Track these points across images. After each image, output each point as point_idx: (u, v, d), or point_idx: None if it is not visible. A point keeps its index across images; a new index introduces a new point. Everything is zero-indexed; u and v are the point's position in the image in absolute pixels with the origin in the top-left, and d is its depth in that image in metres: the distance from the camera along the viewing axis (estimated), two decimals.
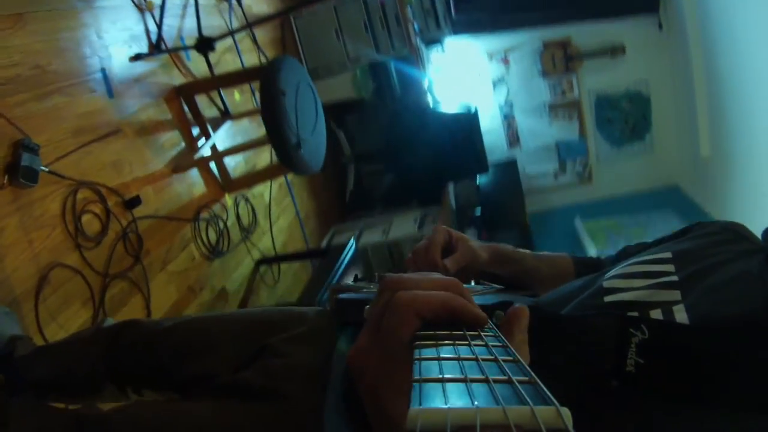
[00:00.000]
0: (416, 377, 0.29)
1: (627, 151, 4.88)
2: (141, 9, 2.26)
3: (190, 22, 2.56)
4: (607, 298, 0.62)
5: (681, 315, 0.55)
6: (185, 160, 2.40)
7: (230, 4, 3.05)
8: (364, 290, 0.84)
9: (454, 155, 3.99)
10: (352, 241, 2.80)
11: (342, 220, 4.09)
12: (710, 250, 0.65)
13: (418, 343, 0.35)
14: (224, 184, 2.68)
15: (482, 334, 0.37)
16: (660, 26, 4.43)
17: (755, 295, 0.54)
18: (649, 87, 4.65)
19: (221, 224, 2.59)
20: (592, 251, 4.25)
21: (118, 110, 2.03)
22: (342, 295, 0.83)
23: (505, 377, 0.29)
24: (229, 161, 2.70)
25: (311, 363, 0.79)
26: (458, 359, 0.32)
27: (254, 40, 3.20)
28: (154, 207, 2.15)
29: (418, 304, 0.38)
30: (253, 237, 2.89)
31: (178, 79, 2.47)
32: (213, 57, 2.62)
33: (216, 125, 2.66)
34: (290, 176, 3.42)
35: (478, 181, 4.51)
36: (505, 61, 4.73)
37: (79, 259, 1.71)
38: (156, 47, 2.29)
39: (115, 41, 2.05)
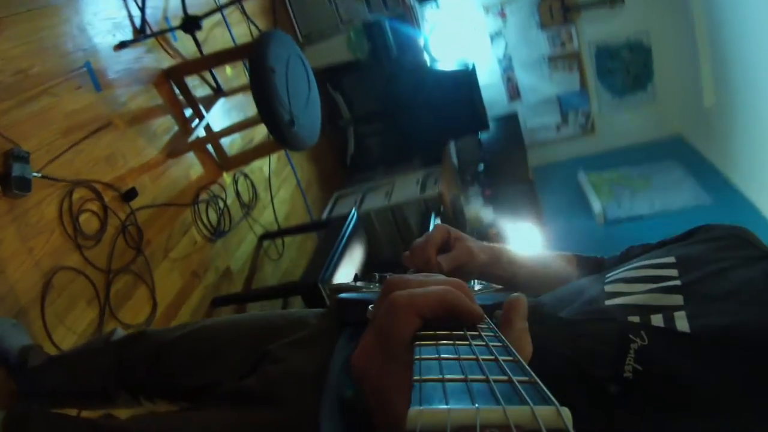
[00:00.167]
0: (416, 377, 0.30)
1: (629, 102, 4.79)
2: None
3: (175, 2, 2.50)
4: (609, 302, 0.62)
5: (682, 322, 0.55)
6: (180, 144, 2.39)
7: None
8: (364, 290, 0.85)
9: (454, 113, 3.94)
10: (353, 211, 2.81)
11: (344, 185, 4.09)
12: (714, 256, 0.64)
13: (418, 343, 0.36)
14: (221, 162, 2.68)
15: (482, 333, 0.37)
16: None
17: (758, 305, 0.54)
18: (649, 36, 4.51)
19: (221, 204, 2.60)
20: (596, 204, 4.23)
21: (107, 103, 2.01)
22: (342, 295, 0.83)
23: (505, 377, 0.29)
24: (225, 139, 2.68)
25: (309, 367, 0.79)
26: (458, 359, 0.32)
27: (243, 12, 3.12)
28: (152, 196, 2.16)
29: (416, 302, 0.38)
30: (255, 212, 2.90)
31: (166, 61, 2.43)
32: (201, 34, 2.57)
33: (209, 104, 2.63)
34: None
35: (479, 137, 4.47)
36: (502, 14, 4.60)
37: (81, 260, 1.74)
38: (141, 32, 2.25)
39: (97, 32, 2.02)
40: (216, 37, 2.87)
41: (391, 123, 4.21)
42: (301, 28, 3.76)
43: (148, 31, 2.28)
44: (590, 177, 4.53)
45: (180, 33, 2.49)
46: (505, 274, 0.85)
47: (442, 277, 0.44)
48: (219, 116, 2.73)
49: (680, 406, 0.49)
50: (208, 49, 2.70)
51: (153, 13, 2.36)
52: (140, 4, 2.24)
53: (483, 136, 4.46)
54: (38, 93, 1.69)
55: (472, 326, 0.40)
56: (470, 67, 3.91)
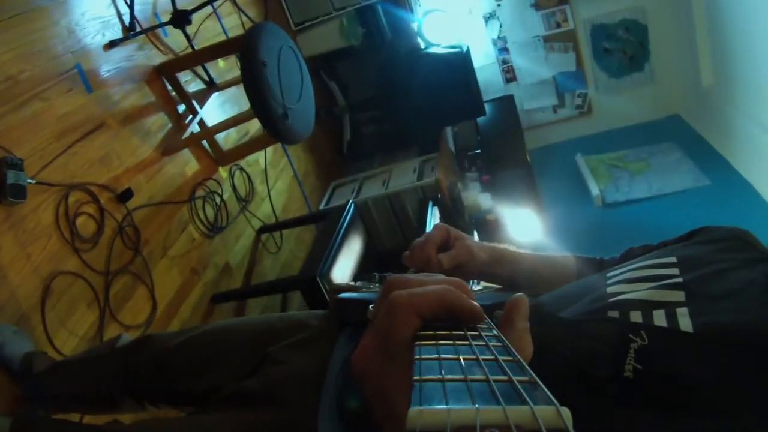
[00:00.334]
0: (416, 377, 0.30)
1: (626, 82, 4.74)
2: None
3: None
4: (611, 301, 0.63)
5: (685, 320, 0.55)
6: (174, 141, 2.39)
7: None
8: (364, 290, 0.85)
9: (449, 97, 3.90)
10: (351, 202, 2.81)
11: (341, 174, 4.08)
12: (715, 257, 0.65)
13: (418, 342, 0.36)
14: (217, 157, 2.67)
15: (483, 333, 0.37)
16: None
17: (759, 306, 0.55)
18: (646, 14, 4.45)
19: (218, 199, 2.60)
20: (594, 188, 4.22)
21: (99, 103, 2.00)
22: (342, 295, 0.83)
23: (506, 377, 0.29)
24: (220, 134, 2.68)
25: (310, 368, 0.79)
26: (458, 359, 0.32)
27: (234, 2, 3.09)
28: (148, 194, 2.16)
29: (416, 302, 0.38)
30: (252, 206, 2.90)
31: (157, 58, 2.41)
32: (191, 27, 2.54)
33: (202, 99, 2.62)
34: None
35: (476, 121, 4.44)
36: None
37: (79, 263, 1.75)
38: (130, 29, 2.23)
39: (86, 33, 2.00)
40: (207, 29, 2.85)
41: (386, 109, 4.19)
42: (294, 16, 3.72)
43: (138, 29, 2.26)
44: (588, 160, 4.52)
45: (170, 28, 2.47)
46: (504, 274, 0.85)
47: (442, 276, 0.44)
48: (213, 111, 2.72)
49: (680, 405, 0.49)
50: (199, 43, 2.68)
51: (142, 9, 2.34)
52: (129, 1, 2.22)
53: (480, 120, 4.43)
54: (29, 98, 1.68)
55: (473, 326, 0.40)
56: (464, 49, 3.87)
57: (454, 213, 3.64)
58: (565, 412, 0.25)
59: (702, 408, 0.49)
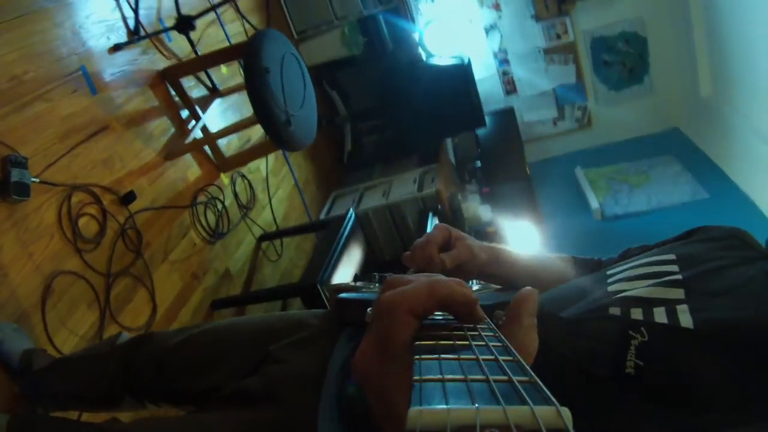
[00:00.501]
0: (416, 377, 0.29)
1: (626, 95, 4.77)
2: None
3: (168, 2, 2.49)
4: (612, 299, 0.63)
5: (685, 317, 0.55)
6: (177, 146, 2.39)
7: None
8: (364, 290, 0.85)
9: (450, 109, 3.92)
10: (351, 211, 2.81)
11: (341, 183, 4.08)
12: (714, 254, 0.65)
13: (418, 343, 0.35)
14: (219, 163, 2.67)
15: (482, 333, 0.37)
16: None
17: (758, 303, 0.55)
18: (645, 27, 4.50)
19: (219, 205, 2.60)
20: (593, 201, 4.23)
21: (103, 106, 2.00)
22: (342, 295, 0.83)
23: (505, 377, 0.29)
24: (222, 139, 2.68)
25: (310, 367, 0.79)
26: (458, 359, 0.32)
27: (237, 9, 3.11)
28: (150, 198, 2.16)
29: (406, 300, 0.38)
30: (253, 213, 2.90)
31: (161, 63, 2.42)
32: (195, 33, 2.56)
33: (205, 104, 2.63)
34: None
35: (477, 133, 4.45)
36: (496, 7, 4.58)
37: (80, 263, 1.74)
38: (135, 33, 2.24)
39: (91, 36, 2.01)
40: (210, 35, 2.87)
41: (387, 119, 4.20)
42: (296, 25, 3.75)
43: (142, 33, 2.27)
44: (587, 173, 4.53)
45: (174, 33, 2.48)
46: (504, 274, 0.85)
47: (442, 276, 0.43)
48: (215, 116, 2.73)
49: (681, 401, 0.49)
50: (203, 49, 2.69)
51: (147, 14, 2.35)
52: (133, 5, 2.23)
53: (480, 131, 4.45)
54: (34, 98, 1.69)
55: (471, 321, 0.39)
56: (465, 61, 3.90)
57: (454, 224, 3.63)
58: (565, 412, 0.25)
59: (702, 404, 0.49)
